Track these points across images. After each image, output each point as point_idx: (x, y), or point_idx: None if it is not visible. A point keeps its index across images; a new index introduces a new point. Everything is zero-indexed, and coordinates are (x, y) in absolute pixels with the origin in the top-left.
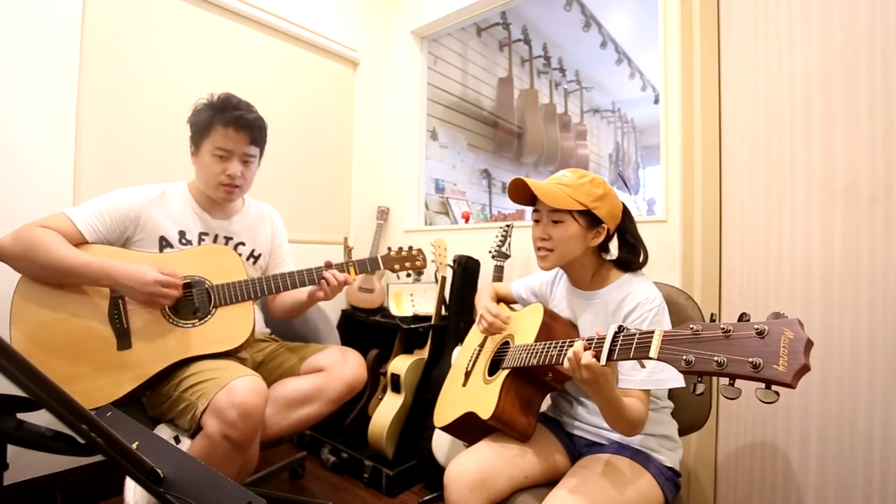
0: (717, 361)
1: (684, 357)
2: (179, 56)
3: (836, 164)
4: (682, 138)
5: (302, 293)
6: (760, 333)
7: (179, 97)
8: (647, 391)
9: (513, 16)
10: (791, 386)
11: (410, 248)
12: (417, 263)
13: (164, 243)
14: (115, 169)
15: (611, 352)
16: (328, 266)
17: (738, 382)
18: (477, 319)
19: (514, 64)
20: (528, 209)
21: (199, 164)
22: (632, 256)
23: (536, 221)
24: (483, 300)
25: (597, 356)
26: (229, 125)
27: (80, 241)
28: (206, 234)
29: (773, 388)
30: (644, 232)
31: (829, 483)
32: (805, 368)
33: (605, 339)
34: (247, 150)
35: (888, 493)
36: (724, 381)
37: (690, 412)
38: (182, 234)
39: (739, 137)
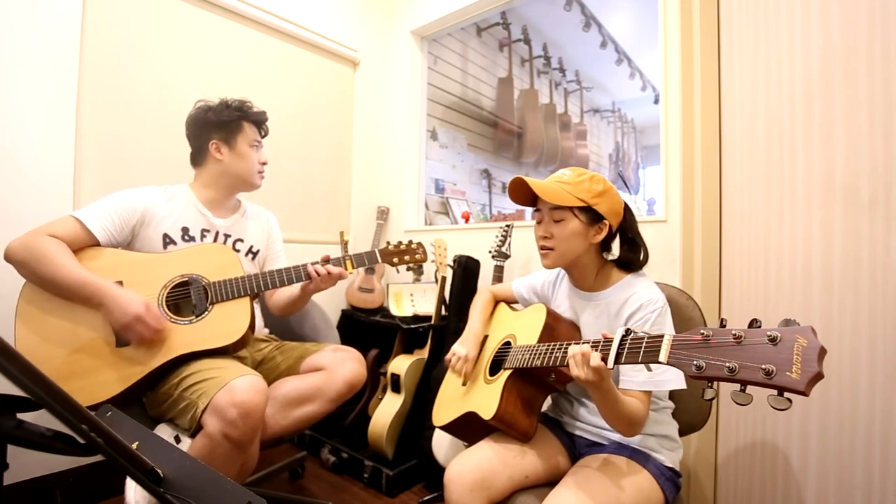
0: (728, 367)
1: (695, 362)
2: (179, 56)
3: (836, 164)
4: (682, 138)
5: (295, 288)
6: (773, 340)
7: (179, 97)
8: (649, 392)
9: (513, 16)
10: (805, 394)
11: (410, 241)
12: (417, 256)
13: (167, 240)
14: (115, 169)
15: (618, 355)
16: (325, 260)
17: (749, 389)
18: (450, 356)
19: (514, 64)
20: (529, 209)
21: (237, 156)
22: (632, 255)
23: (538, 222)
24: (473, 321)
25: (604, 359)
26: (252, 121)
27: (91, 243)
28: (208, 230)
29: (786, 395)
30: (644, 232)
31: (829, 483)
32: (819, 376)
33: (612, 341)
34: (260, 139)
35: (888, 492)
36: (735, 386)
37: (690, 412)
38: (185, 230)
39: (739, 137)
